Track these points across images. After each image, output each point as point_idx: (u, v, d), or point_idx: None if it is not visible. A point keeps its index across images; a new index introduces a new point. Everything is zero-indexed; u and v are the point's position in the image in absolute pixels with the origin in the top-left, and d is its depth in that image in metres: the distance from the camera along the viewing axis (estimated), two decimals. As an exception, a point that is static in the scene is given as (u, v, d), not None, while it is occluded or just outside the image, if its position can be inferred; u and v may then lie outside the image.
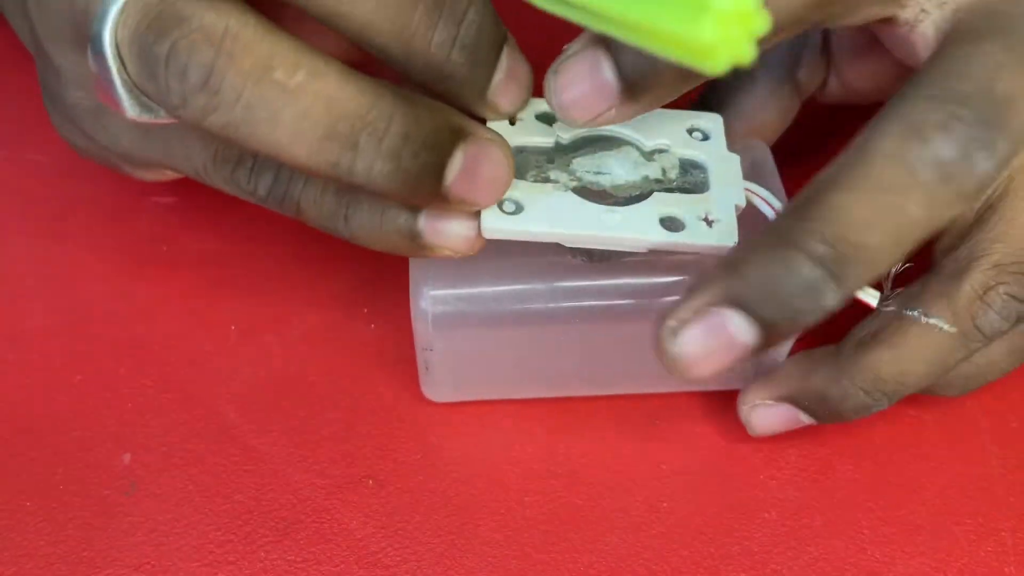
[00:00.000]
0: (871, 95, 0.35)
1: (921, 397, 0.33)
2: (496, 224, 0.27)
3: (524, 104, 0.29)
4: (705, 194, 0.28)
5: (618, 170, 0.28)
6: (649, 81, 0.26)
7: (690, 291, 0.26)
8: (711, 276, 0.25)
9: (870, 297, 0.28)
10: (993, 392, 0.33)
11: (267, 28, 0.24)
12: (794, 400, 0.30)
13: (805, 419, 0.30)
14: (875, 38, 0.31)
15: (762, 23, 0.17)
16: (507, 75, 0.27)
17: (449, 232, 0.27)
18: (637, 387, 0.33)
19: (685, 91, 0.27)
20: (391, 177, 0.25)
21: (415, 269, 0.30)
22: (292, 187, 0.28)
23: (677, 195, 0.28)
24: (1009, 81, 0.25)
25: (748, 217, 0.28)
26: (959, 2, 0.28)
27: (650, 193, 0.28)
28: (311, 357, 0.34)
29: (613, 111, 0.27)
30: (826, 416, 0.30)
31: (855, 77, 0.35)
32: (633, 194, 0.28)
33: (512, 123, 0.28)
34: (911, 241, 0.25)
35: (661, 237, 0.27)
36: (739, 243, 0.27)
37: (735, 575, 0.29)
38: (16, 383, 0.33)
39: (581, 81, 0.26)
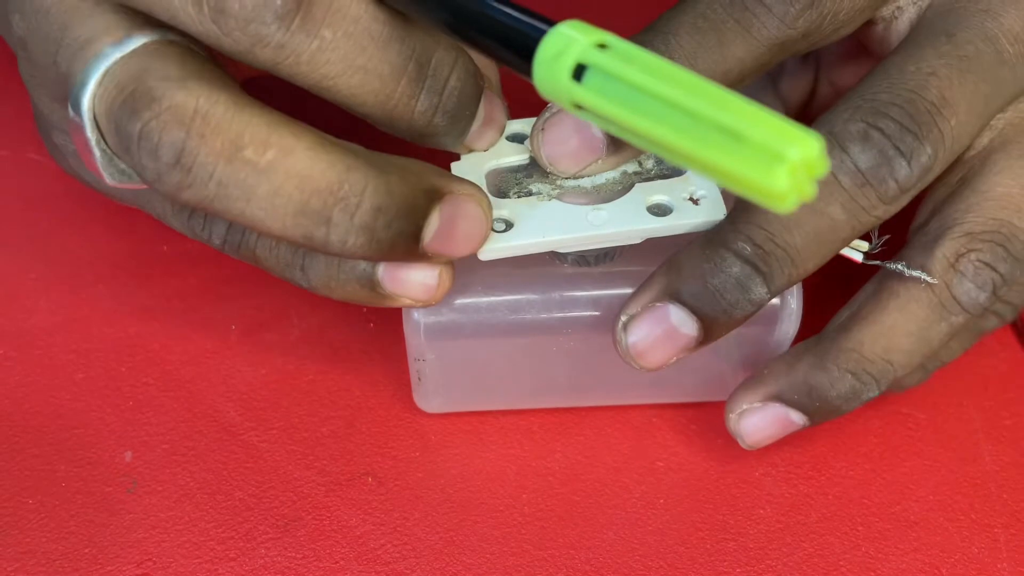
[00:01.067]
0: None
1: (914, 395, 0.33)
2: (491, 245, 0.27)
3: (498, 139, 0.30)
4: (685, 176, 0.29)
5: None
6: None
7: (639, 287, 0.28)
8: (656, 274, 0.28)
9: (855, 253, 0.28)
10: (986, 390, 0.33)
11: (238, 105, 0.24)
12: (781, 397, 0.29)
13: (796, 418, 0.29)
14: (860, 39, 0.31)
15: (825, 165, 0.19)
16: (484, 122, 0.29)
17: (409, 281, 0.27)
18: (632, 398, 0.33)
19: None
20: (366, 247, 0.25)
21: None
22: (247, 237, 0.28)
23: (658, 182, 0.28)
24: (937, 89, 0.27)
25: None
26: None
27: (631, 186, 0.28)
28: (311, 356, 0.34)
29: (600, 162, 0.28)
30: (817, 409, 0.29)
31: (848, 79, 0.35)
32: (616, 190, 0.28)
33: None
34: (836, 240, 0.27)
35: (651, 223, 0.28)
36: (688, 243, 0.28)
37: (731, 571, 0.29)
38: (19, 381, 0.33)
39: (569, 138, 0.28)
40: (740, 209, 0.27)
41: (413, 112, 0.27)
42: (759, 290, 0.27)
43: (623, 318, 0.28)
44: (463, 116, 0.28)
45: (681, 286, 0.27)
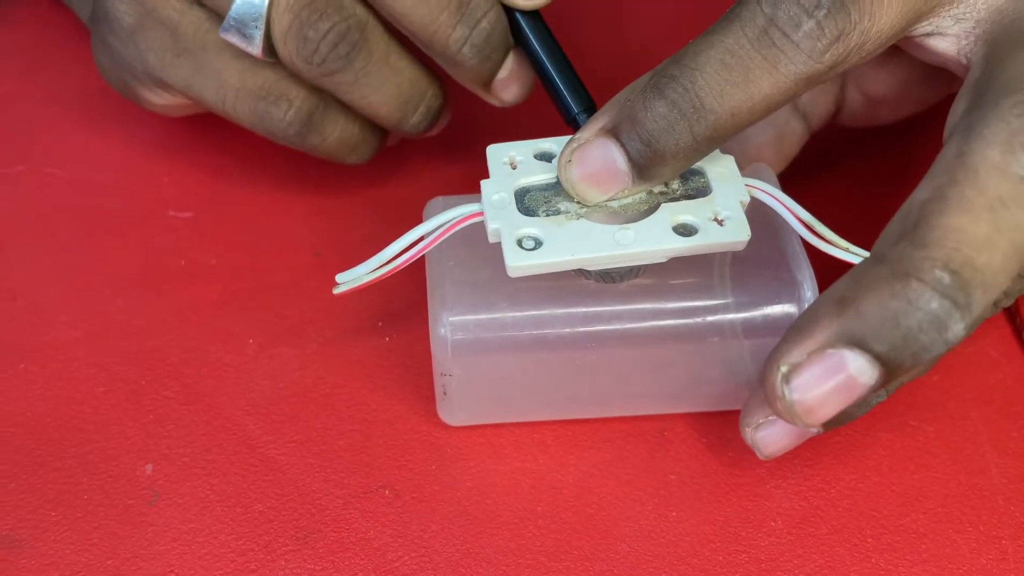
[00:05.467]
0: (895, 102, 0.36)
1: (922, 408, 0.34)
2: (520, 262, 0.28)
3: (523, 98, 0.35)
4: (709, 196, 0.29)
5: None
6: (656, 165, 0.28)
7: (796, 331, 0.25)
8: (820, 314, 0.25)
9: (853, 256, 0.28)
10: (994, 404, 0.34)
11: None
12: None
13: (812, 428, 0.29)
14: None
15: None
16: (510, 75, 0.34)
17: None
18: (651, 409, 0.33)
19: (688, 168, 0.29)
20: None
21: (433, 296, 0.30)
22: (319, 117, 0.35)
23: (683, 202, 0.29)
24: None
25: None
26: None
27: (657, 206, 0.29)
28: (328, 369, 0.35)
29: (626, 190, 0.29)
30: (833, 420, 0.29)
31: (879, 88, 0.35)
32: (642, 209, 0.29)
33: (514, 167, 0.30)
34: None
35: (678, 243, 0.28)
36: (850, 272, 0.25)
37: (743, 583, 0.30)
38: (40, 395, 0.34)
39: (597, 170, 0.28)
40: (919, 229, 0.24)
41: (449, 38, 0.33)
42: (958, 325, 0.23)
43: (783, 368, 0.25)
44: (489, 57, 0.34)
45: (862, 329, 0.24)
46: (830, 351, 0.24)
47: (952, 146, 0.25)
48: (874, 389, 0.24)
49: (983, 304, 0.24)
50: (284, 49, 0.33)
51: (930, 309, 0.23)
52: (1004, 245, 0.24)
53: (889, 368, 0.24)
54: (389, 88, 0.34)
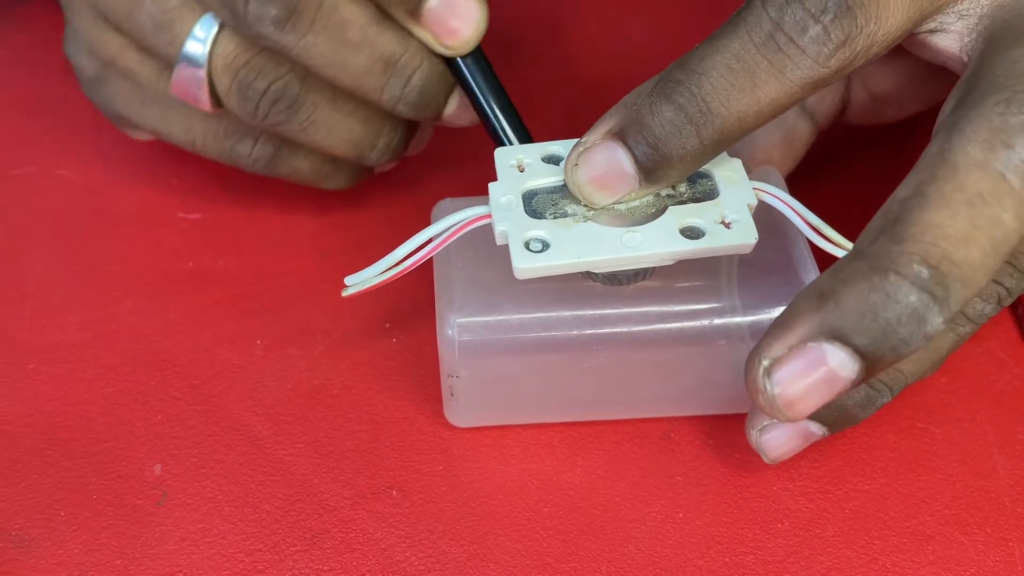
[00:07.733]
0: (901, 99, 0.36)
1: (929, 410, 0.34)
2: (528, 264, 0.28)
3: (477, 121, 0.34)
4: (717, 199, 0.29)
5: None
6: (663, 168, 0.28)
7: (777, 325, 0.25)
8: (800, 308, 0.25)
9: (836, 249, 0.28)
10: (1001, 405, 0.34)
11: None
12: None
13: (816, 429, 0.30)
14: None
15: None
16: (458, 108, 0.35)
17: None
18: (658, 411, 0.33)
19: (695, 171, 0.29)
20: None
21: (441, 297, 0.31)
22: (282, 152, 0.36)
23: (691, 205, 0.29)
24: None
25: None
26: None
27: (664, 208, 0.29)
28: (335, 370, 0.35)
29: (633, 193, 0.29)
30: (835, 419, 0.30)
31: (884, 85, 0.35)
32: (649, 212, 0.29)
33: (521, 170, 0.30)
34: (1007, 251, 0.24)
35: (684, 246, 0.28)
36: (831, 267, 0.26)
37: (749, 584, 0.30)
38: (50, 396, 0.34)
39: (603, 173, 0.28)
40: (897, 224, 0.24)
41: (380, 99, 0.33)
42: (936, 320, 0.24)
43: (764, 361, 0.25)
44: (427, 106, 0.34)
45: (842, 322, 0.24)
46: (811, 344, 0.24)
47: (935, 143, 0.25)
48: (855, 383, 0.25)
49: (962, 298, 0.24)
50: (229, 105, 0.34)
51: (908, 302, 0.24)
52: (983, 240, 0.24)
53: (869, 361, 0.24)
54: (340, 131, 0.34)
